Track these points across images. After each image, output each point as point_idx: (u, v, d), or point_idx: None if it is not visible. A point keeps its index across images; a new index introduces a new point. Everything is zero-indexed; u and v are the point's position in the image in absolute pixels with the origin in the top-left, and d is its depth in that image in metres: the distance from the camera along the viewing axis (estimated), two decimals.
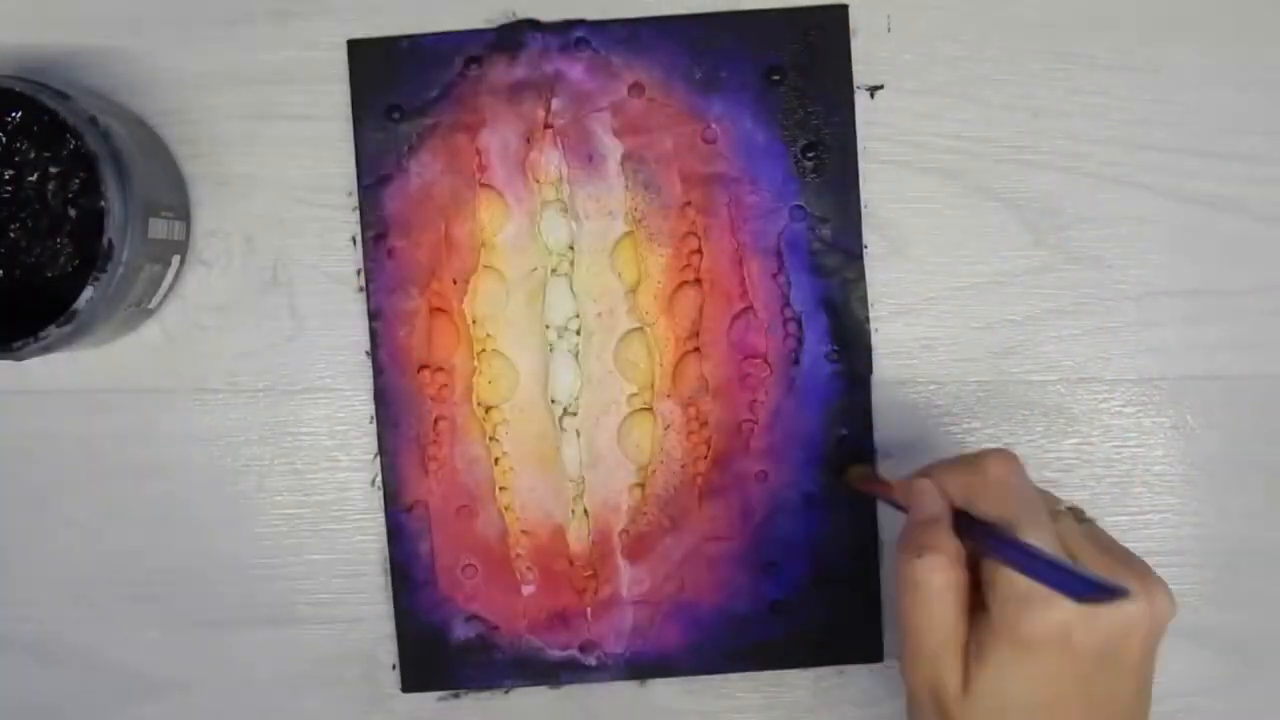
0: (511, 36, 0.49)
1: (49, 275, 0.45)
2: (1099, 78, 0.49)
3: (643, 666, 0.50)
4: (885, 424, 0.50)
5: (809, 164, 0.49)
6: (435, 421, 0.49)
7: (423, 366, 0.49)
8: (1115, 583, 0.35)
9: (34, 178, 0.45)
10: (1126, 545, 0.41)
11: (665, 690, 0.50)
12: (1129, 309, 0.49)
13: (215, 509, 0.50)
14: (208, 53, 0.49)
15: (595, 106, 0.49)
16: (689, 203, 0.49)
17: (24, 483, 0.50)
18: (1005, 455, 0.41)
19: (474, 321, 0.49)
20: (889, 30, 0.49)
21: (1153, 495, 0.50)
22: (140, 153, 0.45)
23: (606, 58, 0.49)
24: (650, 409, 0.49)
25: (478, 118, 0.49)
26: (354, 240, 0.50)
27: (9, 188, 0.45)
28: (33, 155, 0.45)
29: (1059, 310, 0.50)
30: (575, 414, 0.50)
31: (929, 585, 0.39)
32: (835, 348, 0.49)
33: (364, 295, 0.50)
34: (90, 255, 0.44)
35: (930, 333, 0.50)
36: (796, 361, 0.49)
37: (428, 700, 0.50)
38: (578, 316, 0.49)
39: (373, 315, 0.49)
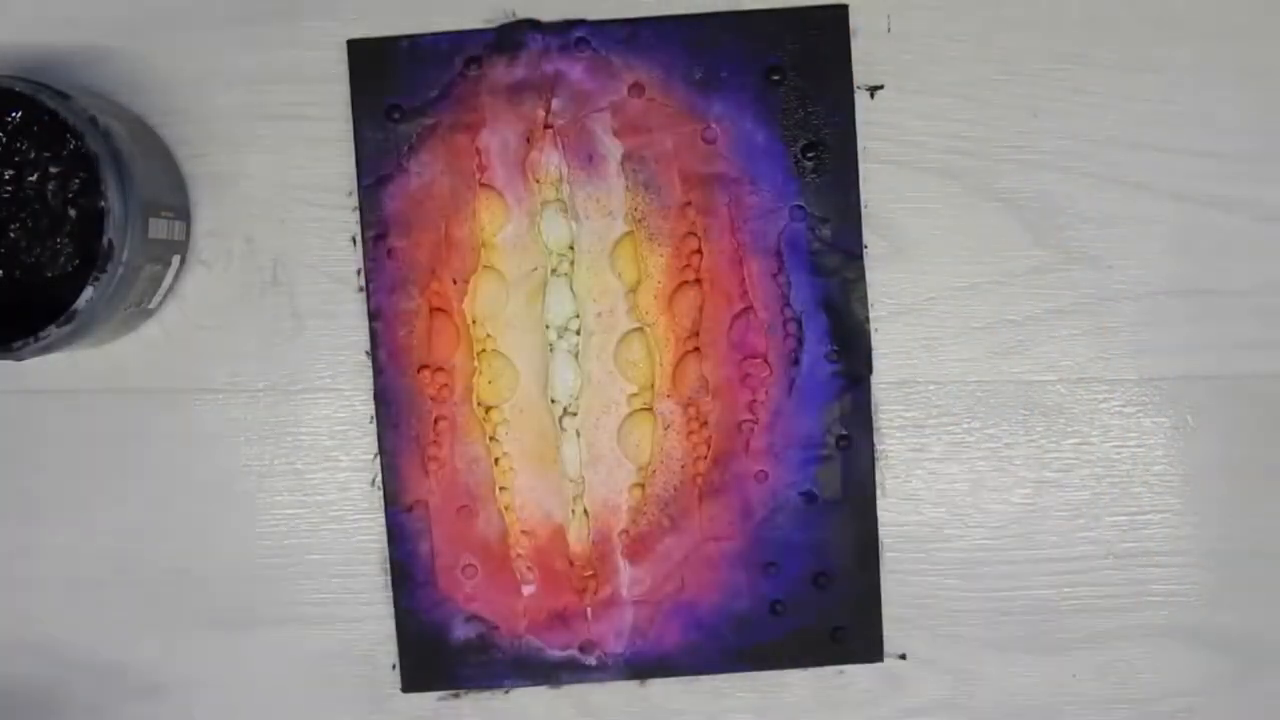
0: (511, 36, 0.49)
1: (49, 275, 0.45)
2: (1099, 78, 0.49)
3: (643, 666, 0.50)
4: (885, 424, 0.50)
5: (809, 164, 0.49)
6: (435, 421, 0.49)
7: (423, 366, 0.49)
8: None
9: (34, 178, 0.45)
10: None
11: (665, 690, 0.50)
12: (1129, 309, 0.49)
13: (215, 509, 0.50)
14: (208, 53, 0.49)
15: (595, 106, 0.49)
16: (689, 203, 0.49)
17: (24, 483, 0.50)
18: None
19: (474, 321, 0.49)
20: (889, 30, 0.49)
21: (1153, 495, 0.50)
22: (140, 153, 0.45)
23: (606, 58, 0.49)
24: (650, 409, 0.49)
25: (478, 118, 0.49)
26: (354, 240, 0.50)
27: (9, 188, 0.45)
28: (33, 155, 0.45)
29: (1059, 310, 0.50)
30: (575, 414, 0.50)
31: None
32: (835, 348, 0.49)
33: (364, 295, 0.50)
34: (90, 255, 0.44)
35: (930, 333, 0.50)
36: (796, 361, 0.49)
37: (428, 700, 0.50)
38: (578, 316, 0.49)
39: (373, 315, 0.49)
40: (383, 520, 0.50)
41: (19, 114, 0.44)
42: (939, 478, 0.50)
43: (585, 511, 0.50)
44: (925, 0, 0.49)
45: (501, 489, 0.50)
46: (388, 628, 0.50)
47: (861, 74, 0.49)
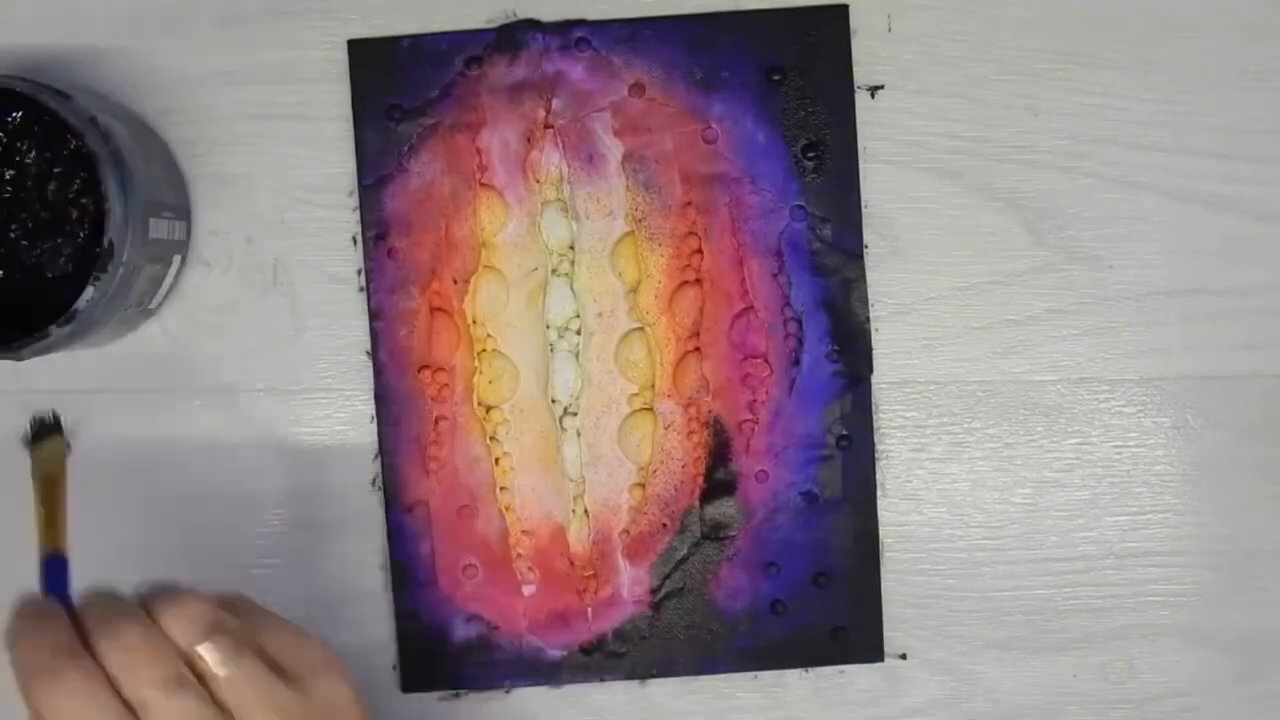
0: (512, 36, 0.49)
1: (49, 275, 0.45)
2: (1099, 78, 0.49)
3: (643, 666, 0.50)
4: (886, 424, 0.50)
5: (809, 164, 0.49)
6: (436, 421, 0.49)
7: (423, 366, 0.49)
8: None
9: (34, 178, 0.45)
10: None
11: (665, 690, 0.50)
12: (1129, 309, 0.49)
13: (215, 509, 0.50)
14: (207, 53, 0.49)
15: (596, 106, 0.49)
16: (689, 202, 0.49)
17: (23, 483, 0.50)
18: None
19: (474, 321, 0.49)
20: (889, 30, 0.49)
21: (1153, 495, 0.50)
22: (141, 153, 0.45)
23: (607, 57, 0.49)
24: (651, 409, 0.49)
25: (478, 117, 0.49)
26: (354, 240, 0.50)
27: (9, 188, 0.45)
28: (33, 155, 0.45)
29: (1059, 310, 0.50)
30: (576, 414, 0.50)
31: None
32: (835, 348, 0.49)
33: (364, 295, 0.50)
34: (90, 255, 0.44)
35: (930, 333, 0.50)
36: (797, 361, 0.49)
37: (428, 700, 0.50)
38: (578, 316, 0.49)
39: (373, 315, 0.49)
40: (383, 520, 0.50)
41: (19, 114, 0.44)
42: (939, 478, 0.50)
43: (586, 511, 0.50)
44: (925, 0, 0.49)
45: (502, 489, 0.50)
46: (388, 628, 0.50)
47: (862, 74, 0.49)
